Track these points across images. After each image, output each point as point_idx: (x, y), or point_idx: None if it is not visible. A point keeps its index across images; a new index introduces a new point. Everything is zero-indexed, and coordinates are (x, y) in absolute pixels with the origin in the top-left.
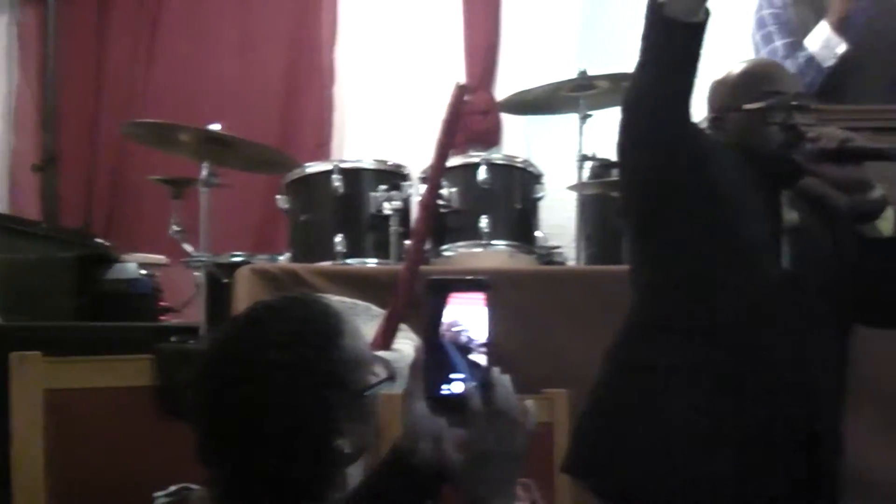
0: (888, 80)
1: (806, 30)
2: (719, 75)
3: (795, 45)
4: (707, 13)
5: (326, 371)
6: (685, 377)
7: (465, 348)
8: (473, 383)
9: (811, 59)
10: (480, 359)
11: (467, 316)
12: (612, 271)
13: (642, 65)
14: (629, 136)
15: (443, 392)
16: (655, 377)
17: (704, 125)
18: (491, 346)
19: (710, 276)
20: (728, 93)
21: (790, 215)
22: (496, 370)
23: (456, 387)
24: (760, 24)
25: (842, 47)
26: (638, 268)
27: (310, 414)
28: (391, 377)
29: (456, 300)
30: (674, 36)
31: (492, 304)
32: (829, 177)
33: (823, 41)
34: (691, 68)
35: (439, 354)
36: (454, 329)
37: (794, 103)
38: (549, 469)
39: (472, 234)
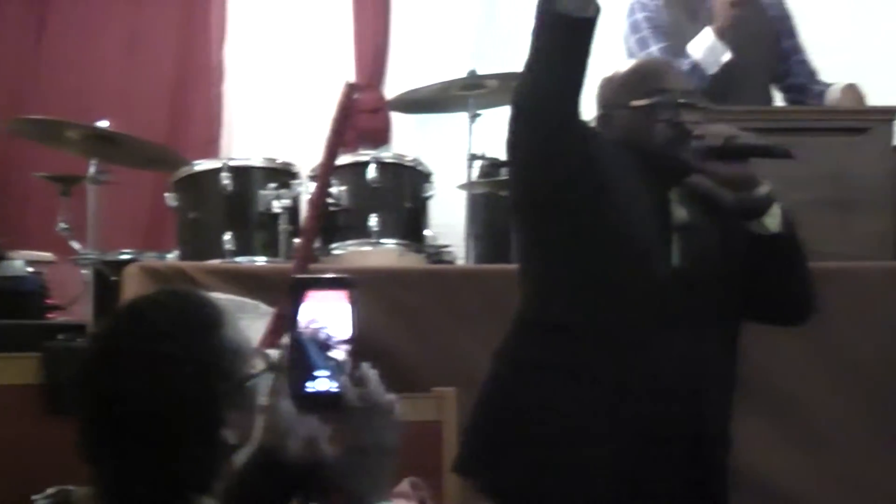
0: (763, 84)
1: (679, 32)
2: (608, 73)
3: (671, 49)
4: (597, 9)
5: (208, 361)
6: (572, 376)
7: (325, 345)
8: (337, 381)
9: (695, 66)
10: (340, 355)
11: (328, 313)
12: (501, 270)
13: (532, 61)
14: (518, 131)
15: (307, 390)
16: (543, 376)
17: (593, 123)
18: (355, 343)
19: (598, 274)
20: (616, 90)
21: (680, 213)
22: (365, 365)
23: (321, 384)
24: (635, 28)
25: (726, 55)
26: (526, 266)
27: (193, 404)
28: (271, 368)
29: (316, 298)
30: (564, 31)
31: (355, 301)
32: (716, 174)
33: (708, 48)
34: (581, 64)
35: (299, 352)
36: (312, 326)
37: (681, 101)
38: (438, 467)
39: (362, 232)
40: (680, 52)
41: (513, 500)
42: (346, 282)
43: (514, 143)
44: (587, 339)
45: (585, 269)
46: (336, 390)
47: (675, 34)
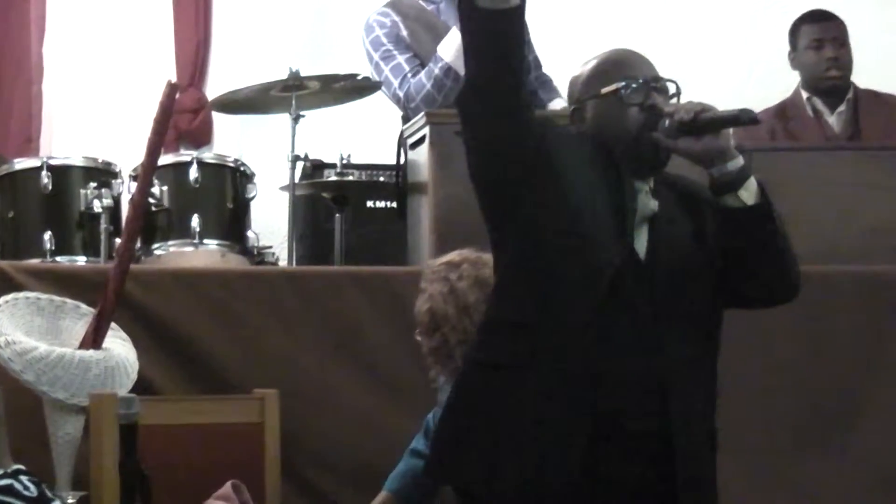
0: None
1: (419, 42)
2: (576, 71)
3: (415, 59)
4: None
5: None
6: (535, 374)
7: None
8: None
9: (448, 69)
10: None
11: None
12: (324, 272)
13: (469, 57)
14: (468, 132)
15: None
16: (505, 374)
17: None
18: None
19: (558, 272)
20: (586, 82)
21: (650, 204)
22: None
23: None
24: (376, 45)
25: None
26: (495, 266)
27: None
28: None
29: None
30: (489, 25)
31: None
32: (689, 151)
33: (457, 49)
34: (513, 54)
35: None
36: None
37: (651, 85)
38: (259, 468)
39: (184, 233)
40: (424, 60)
41: (482, 497)
42: None
43: (467, 145)
44: (547, 336)
45: (541, 265)
46: None
47: (416, 45)
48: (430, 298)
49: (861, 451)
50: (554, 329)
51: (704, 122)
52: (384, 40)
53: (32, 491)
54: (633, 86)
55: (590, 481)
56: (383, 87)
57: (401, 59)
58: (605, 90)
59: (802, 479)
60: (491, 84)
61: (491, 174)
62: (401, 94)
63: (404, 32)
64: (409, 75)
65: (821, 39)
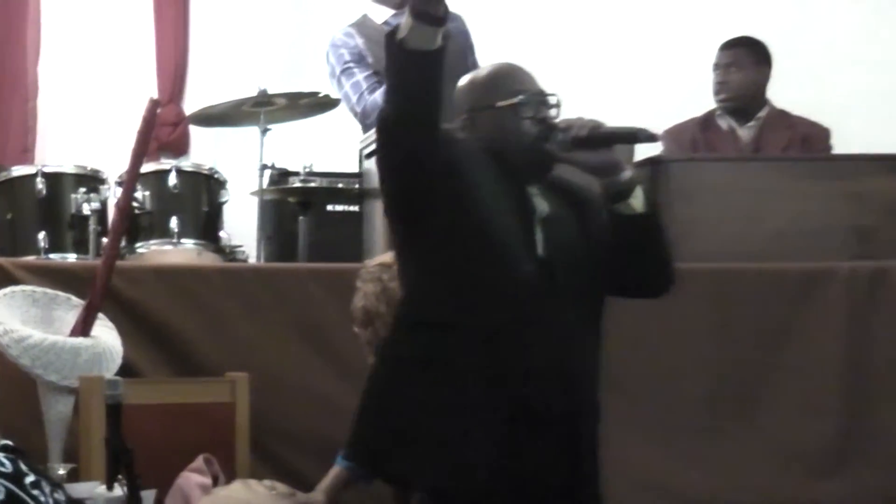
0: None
1: (379, 61)
2: (465, 79)
3: (375, 77)
4: (447, 37)
5: None
6: (454, 369)
7: None
8: None
9: None
10: None
11: None
12: (289, 268)
13: (392, 92)
14: (386, 153)
15: None
16: (422, 370)
17: (456, 126)
18: None
19: (468, 272)
20: (479, 92)
21: (542, 206)
22: None
23: None
24: (339, 60)
25: None
26: (403, 268)
27: None
28: None
29: None
30: (416, 64)
31: None
32: (584, 163)
33: None
34: (436, 88)
35: None
36: None
37: (541, 99)
38: (230, 445)
39: (163, 233)
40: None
41: (401, 484)
42: None
43: (383, 162)
44: (461, 333)
45: (456, 268)
46: None
47: (378, 65)
48: (364, 296)
49: (765, 430)
50: (471, 327)
51: (602, 138)
52: (347, 57)
53: (7, 467)
54: (528, 100)
55: (507, 469)
56: (343, 101)
57: (360, 76)
58: (501, 103)
59: (714, 456)
60: (412, 117)
61: (406, 190)
62: (358, 109)
63: (366, 52)
64: (366, 92)
65: (717, 64)
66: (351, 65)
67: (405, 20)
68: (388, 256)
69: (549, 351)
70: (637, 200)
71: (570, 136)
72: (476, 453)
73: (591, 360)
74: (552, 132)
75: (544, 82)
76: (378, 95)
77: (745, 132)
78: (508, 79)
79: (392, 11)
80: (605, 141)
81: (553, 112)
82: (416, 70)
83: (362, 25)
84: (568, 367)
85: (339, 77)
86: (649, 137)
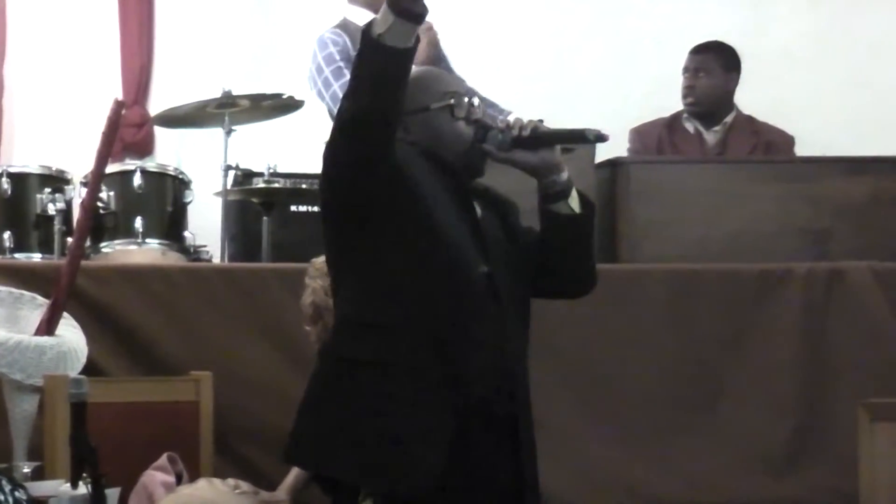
0: None
1: None
2: None
3: None
4: (417, 39)
5: None
6: (398, 369)
7: None
8: None
9: None
10: None
11: None
12: (252, 268)
13: (357, 86)
14: (339, 148)
15: None
16: (365, 371)
17: None
18: None
19: (420, 276)
20: (411, 96)
21: (476, 209)
22: None
23: None
24: (329, 60)
25: None
26: (342, 271)
27: None
28: None
29: None
30: (388, 60)
31: None
32: (524, 163)
33: None
34: (402, 87)
35: None
36: None
37: (471, 100)
38: (194, 443)
39: (128, 233)
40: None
41: (340, 487)
42: None
43: (333, 159)
44: (410, 335)
45: (405, 270)
46: None
47: None
48: (313, 292)
49: (724, 429)
50: (420, 330)
51: (546, 137)
52: (337, 57)
53: None
54: (460, 101)
55: (459, 470)
56: (328, 100)
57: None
58: (435, 105)
59: (673, 456)
60: (376, 114)
61: (354, 190)
62: None
63: (353, 54)
64: None
65: (686, 68)
66: (341, 65)
67: (381, 15)
68: None
69: (493, 354)
70: (574, 201)
71: (512, 136)
72: (426, 453)
73: (524, 364)
74: (487, 132)
75: (506, 86)
76: None
77: (711, 136)
78: (437, 81)
79: (373, 16)
80: (549, 140)
81: (482, 112)
82: (388, 66)
83: (346, 28)
84: (510, 370)
85: (327, 76)
86: (598, 138)
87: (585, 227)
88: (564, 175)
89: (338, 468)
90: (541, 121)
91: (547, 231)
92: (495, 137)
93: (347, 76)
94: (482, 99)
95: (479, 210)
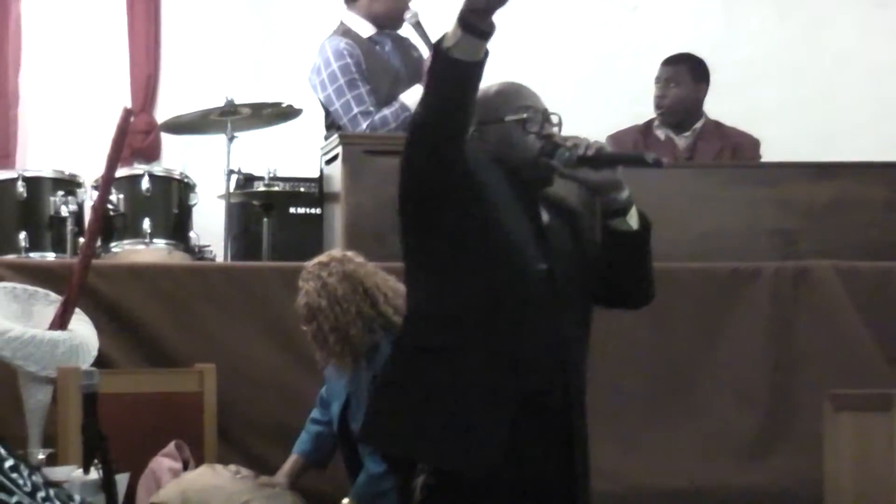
0: None
1: (375, 79)
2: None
3: (374, 91)
4: (486, 53)
5: None
6: (461, 358)
7: None
8: None
9: (406, 108)
10: None
11: None
12: (253, 266)
13: (430, 97)
14: (414, 156)
15: None
16: (433, 359)
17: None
18: None
19: (484, 270)
20: (489, 107)
21: (544, 215)
22: None
23: None
24: (344, 70)
25: None
26: (415, 266)
27: None
28: None
29: None
30: (458, 73)
31: None
32: (587, 180)
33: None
34: (472, 99)
35: None
36: None
37: (546, 116)
38: (199, 431)
39: (136, 233)
40: (380, 96)
41: (409, 465)
42: None
43: (410, 161)
44: (473, 326)
45: (471, 265)
46: None
47: (374, 80)
48: (306, 294)
49: (697, 419)
50: (482, 322)
51: (609, 158)
52: (353, 68)
53: None
54: (534, 116)
55: (507, 454)
56: (338, 107)
57: (363, 90)
58: (509, 118)
59: (649, 442)
60: (447, 122)
61: (425, 192)
62: (363, 122)
63: (364, 66)
64: (373, 108)
65: (658, 78)
66: (356, 76)
67: (452, 29)
68: (324, 256)
69: (551, 348)
70: (633, 219)
71: (577, 154)
72: (484, 437)
73: (583, 362)
74: (556, 148)
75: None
76: (389, 115)
77: (682, 141)
78: (516, 96)
79: (373, 28)
80: (611, 161)
81: (555, 130)
82: (457, 78)
83: (348, 34)
84: (567, 364)
85: (341, 85)
86: (657, 162)
87: (642, 244)
88: (625, 194)
89: (400, 447)
90: (604, 145)
91: (606, 245)
92: (562, 154)
93: (361, 89)
94: (554, 115)
95: (546, 216)
